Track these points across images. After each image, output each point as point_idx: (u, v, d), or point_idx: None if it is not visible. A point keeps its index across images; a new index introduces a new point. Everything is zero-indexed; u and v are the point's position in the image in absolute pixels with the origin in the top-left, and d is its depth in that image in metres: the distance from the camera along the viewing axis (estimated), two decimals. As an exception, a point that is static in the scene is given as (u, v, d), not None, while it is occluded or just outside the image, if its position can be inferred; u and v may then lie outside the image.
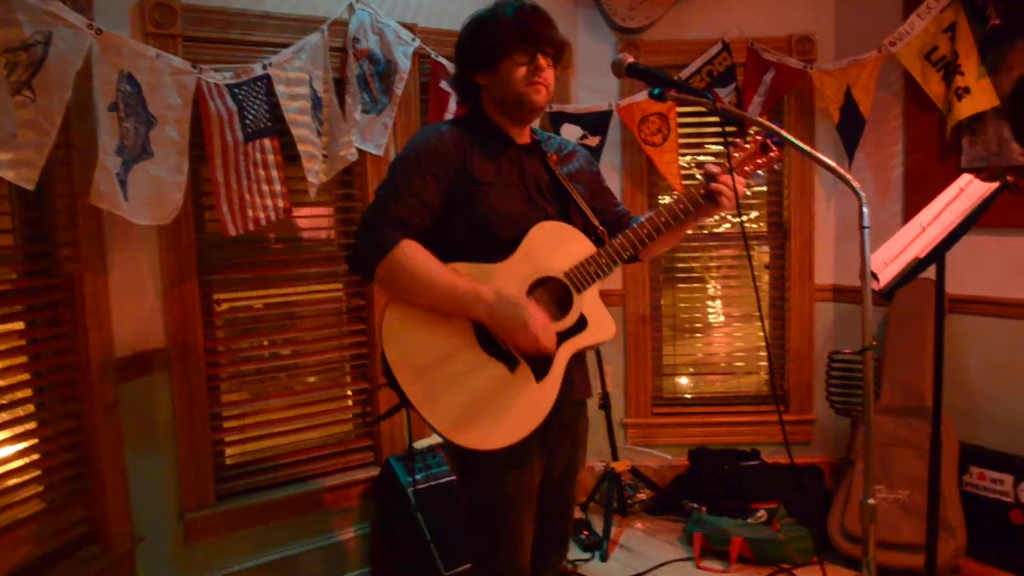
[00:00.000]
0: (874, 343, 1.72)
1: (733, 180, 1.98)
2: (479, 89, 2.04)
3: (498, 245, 1.94)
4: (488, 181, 1.96)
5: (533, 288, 1.95)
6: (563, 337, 1.95)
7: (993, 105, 3.33)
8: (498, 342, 1.89)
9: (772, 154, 2.08)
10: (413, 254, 1.85)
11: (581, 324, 1.97)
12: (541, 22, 1.95)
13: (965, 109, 3.38)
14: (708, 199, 2.01)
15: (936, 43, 3.47)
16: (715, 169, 2.01)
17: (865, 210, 1.70)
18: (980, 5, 3.35)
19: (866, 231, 1.71)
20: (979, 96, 3.35)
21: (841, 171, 1.76)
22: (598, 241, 2.05)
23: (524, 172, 2.03)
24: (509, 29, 1.92)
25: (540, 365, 1.91)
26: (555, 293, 2.00)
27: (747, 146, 2.08)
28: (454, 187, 1.94)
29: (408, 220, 1.88)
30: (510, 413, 1.87)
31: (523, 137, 2.09)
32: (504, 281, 1.91)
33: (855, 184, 1.72)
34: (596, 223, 2.08)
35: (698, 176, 4.09)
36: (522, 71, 1.94)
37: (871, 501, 1.73)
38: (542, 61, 1.95)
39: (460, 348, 1.88)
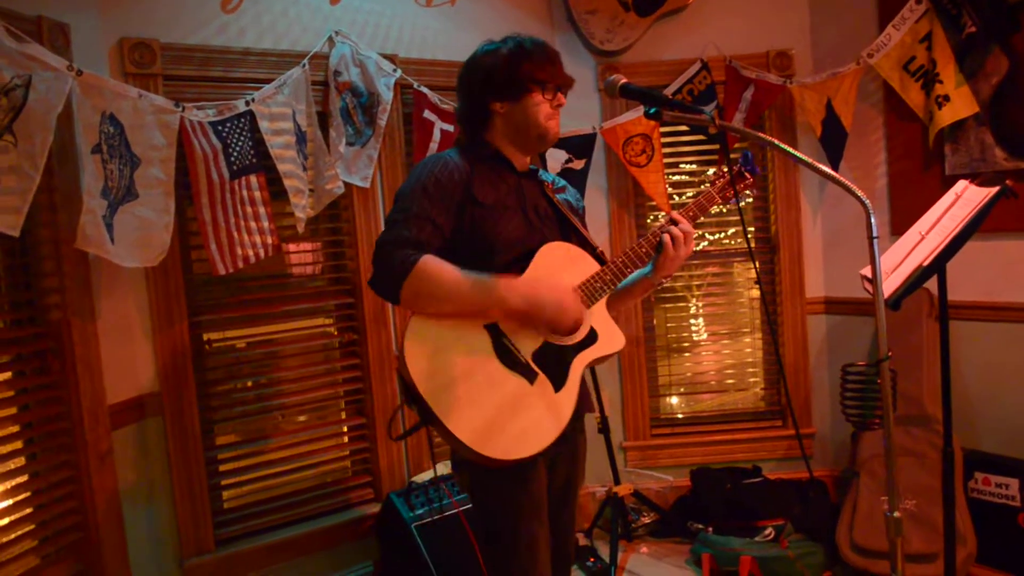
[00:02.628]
0: (890, 354, 1.70)
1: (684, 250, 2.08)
2: (490, 116, 2.09)
3: (498, 267, 1.98)
4: (489, 204, 2.02)
5: None
6: (576, 349, 2.00)
7: (973, 112, 3.36)
8: (515, 356, 1.91)
9: (748, 180, 2.24)
10: (436, 264, 1.87)
11: (592, 337, 2.04)
12: (560, 62, 2.10)
13: (946, 117, 3.41)
14: (659, 249, 2.08)
15: (914, 53, 3.51)
16: (677, 217, 2.10)
17: (873, 220, 1.69)
18: (955, 13, 3.38)
19: (875, 241, 1.71)
20: (959, 103, 3.38)
21: (846, 182, 1.75)
22: (599, 260, 2.13)
23: (524, 197, 2.11)
24: (539, 65, 2.04)
25: (558, 376, 1.95)
26: None
27: (721, 179, 2.21)
28: (459, 210, 2.00)
29: (422, 241, 1.91)
30: (532, 423, 1.89)
31: (523, 166, 2.16)
32: None
33: (860, 194, 1.71)
34: (594, 244, 2.16)
35: (676, 198, 4.08)
36: (546, 106, 2.06)
37: (897, 514, 1.71)
38: (561, 98, 2.10)
39: (480, 364, 1.90)
